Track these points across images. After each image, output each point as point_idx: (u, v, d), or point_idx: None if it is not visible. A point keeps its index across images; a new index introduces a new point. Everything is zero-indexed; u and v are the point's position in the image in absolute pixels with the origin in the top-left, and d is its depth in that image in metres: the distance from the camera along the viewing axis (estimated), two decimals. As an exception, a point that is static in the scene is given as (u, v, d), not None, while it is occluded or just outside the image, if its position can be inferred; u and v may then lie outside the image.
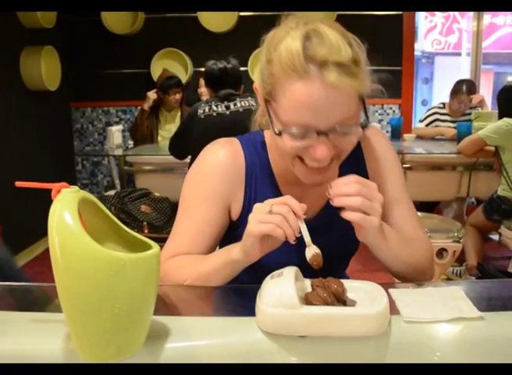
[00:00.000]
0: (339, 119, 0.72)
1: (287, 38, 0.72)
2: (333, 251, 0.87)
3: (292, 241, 0.72)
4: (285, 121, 0.74)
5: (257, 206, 0.75)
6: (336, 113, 0.71)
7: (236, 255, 0.78)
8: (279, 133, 0.75)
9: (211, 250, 0.91)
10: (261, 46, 0.78)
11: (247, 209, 0.90)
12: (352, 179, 0.75)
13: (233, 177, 0.90)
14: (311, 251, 0.74)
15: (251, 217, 0.74)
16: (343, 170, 0.87)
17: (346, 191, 0.73)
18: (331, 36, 0.70)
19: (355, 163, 0.93)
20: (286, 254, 0.79)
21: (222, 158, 0.90)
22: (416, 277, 0.89)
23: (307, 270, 0.73)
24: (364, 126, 0.76)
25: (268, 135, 0.94)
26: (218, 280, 0.82)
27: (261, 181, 0.91)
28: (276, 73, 0.72)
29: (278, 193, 0.91)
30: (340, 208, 0.76)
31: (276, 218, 0.71)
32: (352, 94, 0.72)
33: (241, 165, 0.90)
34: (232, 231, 0.93)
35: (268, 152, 0.92)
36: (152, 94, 3.56)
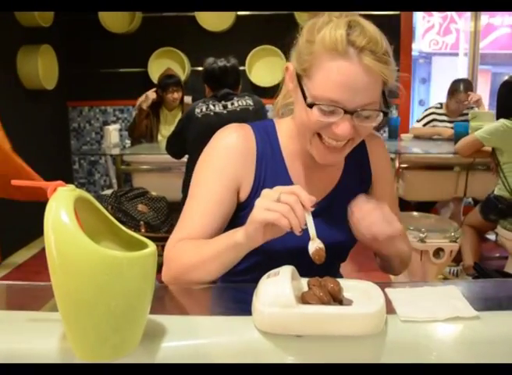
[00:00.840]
0: (365, 102, 0.80)
1: (331, 24, 0.80)
2: (333, 238, 0.90)
3: (297, 232, 0.72)
4: (317, 95, 0.80)
5: (265, 192, 0.75)
6: (364, 96, 0.79)
7: (239, 239, 0.79)
8: (311, 106, 0.81)
9: (220, 231, 0.91)
10: (301, 32, 0.86)
11: (255, 191, 0.93)
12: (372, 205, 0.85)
13: (244, 159, 0.93)
14: (314, 245, 0.74)
15: (258, 203, 0.74)
16: (350, 166, 1.00)
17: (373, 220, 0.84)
18: (370, 28, 0.80)
19: (360, 163, 1.02)
20: (295, 238, 0.78)
21: (234, 140, 0.93)
22: (401, 269, 1.03)
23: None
24: (386, 114, 0.83)
25: (280, 123, 0.99)
26: (221, 264, 0.83)
27: (271, 165, 0.94)
28: (317, 51, 0.80)
29: (287, 177, 0.95)
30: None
31: (283, 207, 0.72)
32: (379, 82, 0.80)
33: (252, 148, 0.94)
34: (238, 212, 0.94)
35: (279, 138, 0.97)
36: (151, 94, 3.55)
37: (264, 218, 0.73)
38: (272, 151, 0.95)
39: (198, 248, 0.85)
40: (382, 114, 0.83)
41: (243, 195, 0.94)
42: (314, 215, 0.78)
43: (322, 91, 0.80)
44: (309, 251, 0.74)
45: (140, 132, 3.56)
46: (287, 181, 0.94)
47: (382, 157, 1.05)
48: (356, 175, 1.02)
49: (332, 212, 0.96)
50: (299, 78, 0.84)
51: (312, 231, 0.75)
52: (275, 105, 1.02)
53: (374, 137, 1.06)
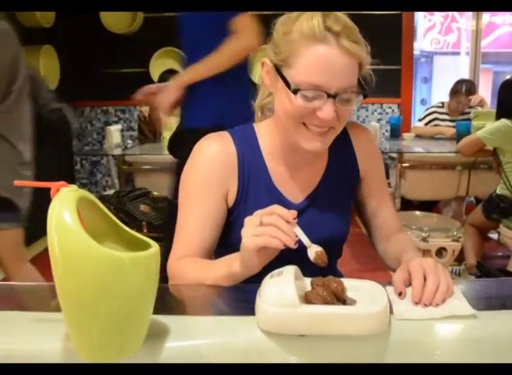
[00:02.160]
0: (345, 85, 0.83)
1: (306, 14, 0.84)
2: (323, 234, 0.90)
3: (292, 246, 0.72)
4: (299, 82, 0.82)
5: (247, 220, 0.76)
6: (344, 78, 0.82)
7: (236, 269, 0.79)
8: (295, 91, 0.82)
9: (216, 240, 0.94)
10: (274, 27, 0.89)
11: (240, 196, 0.95)
12: None
13: (227, 165, 0.94)
14: (313, 250, 0.75)
15: (244, 232, 0.75)
16: (332, 161, 1.01)
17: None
18: (343, 17, 0.84)
19: (344, 157, 1.03)
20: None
21: (214, 149, 0.94)
22: None
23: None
24: (365, 96, 0.86)
25: (259, 125, 1.00)
26: (225, 284, 0.83)
27: (253, 168, 0.96)
28: (296, 40, 0.82)
29: (268, 178, 0.97)
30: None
31: (268, 229, 0.72)
32: (356, 66, 0.84)
33: (233, 154, 0.95)
34: (227, 217, 0.96)
35: (259, 140, 0.98)
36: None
37: (255, 244, 0.73)
38: (252, 154, 0.97)
39: (199, 273, 0.86)
40: (361, 97, 0.86)
41: (230, 201, 0.96)
42: (302, 210, 0.83)
43: (305, 76, 0.82)
44: (310, 259, 0.75)
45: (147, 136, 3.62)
46: (268, 183, 0.96)
47: (370, 150, 1.05)
48: (340, 170, 1.02)
49: (318, 208, 0.98)
50: (278, 69, 0.86)
51: (305, 240, 0.75)
52: (254, 108, 1.03)
53: (358, 127, 1.06)
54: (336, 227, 1.00)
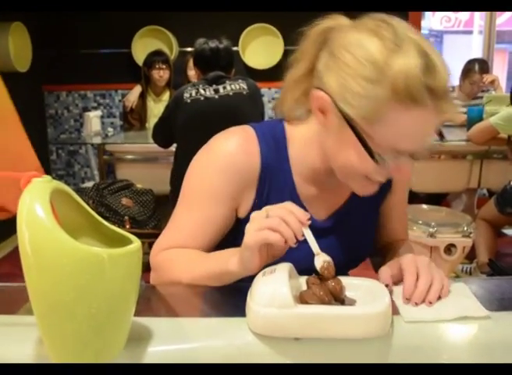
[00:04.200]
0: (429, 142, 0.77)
1: (400, 56, 0.71)
2: (344, 254, 0.91)
3: (292, 243, 0.70)
4: (381, 145, 0.75)
5: (254, 215, 0.74)
6: (430, 139, 0.77)
7: (233, 267, 0.77)
8: (373, 155, 0.75)
9: (211, 247, 0.91)
10: (336, 51, 0.76)
11: (257, 208, 0.87)
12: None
13: (245, 177, 0.89)
14: (321, 259, 0.73)
15: (248, 228, 0.73)
16: None
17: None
18: (441, 62, 0.73)
19: None
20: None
21: (234, 154, 0.88)
22: None
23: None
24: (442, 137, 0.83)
25: (292, 130, 0.92)
26: (214, 284, 0.83)
27: (276, 179, 0.91)
28: (385, 97, 0.71)
29: (294, 194, 0.91)
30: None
31: (272, 221, 0.70)
32: None
33: (256, 163, 0.89)
34: (239, 226, 0.92)
35: (289, 149, 0.91)
36: (135, 91, 3.60)
37: (256, 241, 0.71)
38: (279, 162, 0.90)
39: (190, 264, 0.85)
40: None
41: (243, 212, 0.92)
42: (327, 229, 0.81)
43: (391, 143, 0.74)
44: (316, 267, 0.73)
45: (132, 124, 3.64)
46: (293, 196, 0.91)
47: None
48: None
49: (344, 227, 0.95)
50: (352, 121, 0.76)
51: (315, 246, 0.73)
52: (278, 105, 0.94)
53: None
54: (360, 250, 0.99)
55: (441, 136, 0.82)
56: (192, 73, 3.46)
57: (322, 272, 0.71)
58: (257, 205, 0.89)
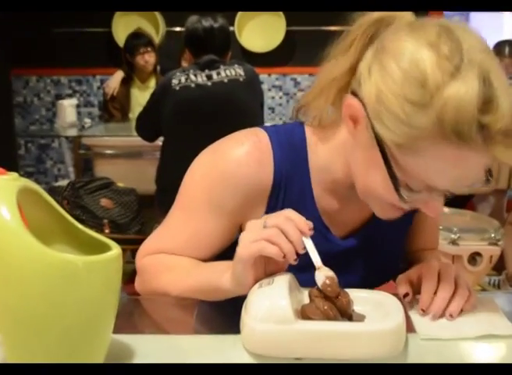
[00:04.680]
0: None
1: (455, 83, 0.66)
2: (365, 278, 0.90)
3: (292, 260, 0.70)
4: (412, 176, 0.72)
5: (250, 224, 0.74)
6: (476, 178, 0.74)
7: (224, 284, 0.77)
8: (397, 185, 0.73)
9: (207, 259, 0.91)
10: (379, 49, 0.73)
11: None
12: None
13: (255, 192, 0.88)
14: (322, 274, 0.71)
15: (242, 238, 0.73)
16: None
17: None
18: (505, 91, 0.68)
19: None
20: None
21: (243, 165, 0.86)
22: None
23: None
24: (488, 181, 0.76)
25: (314, 135, 0.90)
26: (205, 299, 0.83)
27: (292, 191, 0.89)
28: (427, 127, 0.67)
29: (313, 206, 0.90)
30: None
31: (269, 231, 0.70)
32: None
33: (268, 175, 0.87)
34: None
35: (309, 155, 0.89)
36: (117, 76, 3.58)
37: (250, 253, 0.70)
38: (296, 172, 0.89)
39: (179, 274, 0.86)
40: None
41: None
42: (351, 248, 0.80)
43: (424, 178, 0.72)
44: (317, 284, 0.71)
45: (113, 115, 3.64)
46: (313, 213, 0.89)
47: None
48: None
49: (371, 245, 0.94)
50: (378, 138, 0.73)
51: (316, 259, 0.73)
52: (304, 105, 0.90)
53: None
54: (385, 274, 0.98)
55: (489, 175, 0.76)
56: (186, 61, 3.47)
57: (325, 289, 0.70)
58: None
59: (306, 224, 0.71)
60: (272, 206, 0.88)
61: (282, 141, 0.89)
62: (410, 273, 0.81)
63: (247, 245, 0.71)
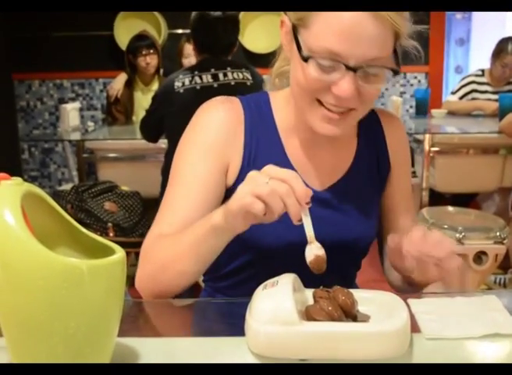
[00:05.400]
0: (371, 55, 0.81)
1: None
2: (345, 235, 0.93)
3: (276, 216, 0.72)
4: (313, 47, 0.82)
5: (251, 175, 0.75)
6: (370, 47, 0.81)
7: (216, 220, 0.79)
8: (306, 59, 0.82)
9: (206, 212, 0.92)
10: None
11: (245, 173, 0.89)
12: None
13: (233, 135, 0.96)
14: (312, 251, 0.73)
15: (239, 188, 0.75)
16: (364, 148, 1.03)
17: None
18: None
19: (376, 145, 1.05)
20: (291, 232, 0.79)
21: (221, 114, 0.97)
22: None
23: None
24: (396, 73, 0.84)
25: (275, 95, 1.02)
26: (201, 255, 0.84)
27: (263, 142, 0.98)
28: None
29: (283, 155, 0.98)
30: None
31: (264, 190, 0.71)
32: (389, 33, 0.82)
33: (240, 122, 0.97)
34: (225, 199, 0.95)
35: (274, 111, 1.00)
36: (120, 78, 3.59)
37: (238, 206, 0.73)
38: (264, 126, 0.99)
39: (175, 240, 0.87)
40: (391, 73, 0.84)
41: (230, 178, 0.97)
42: (322, 202, 0.83)
43: (320, 40, 0.81)
44: (306, 259, 0.74)
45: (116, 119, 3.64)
46: (283, 161, 0.96)
47: (401, 140, 1.08)
48: (371, 159, 1.04)
49: (343, 201, 0.99)
50: (295, 30, 0.86)
51: (310, 232, 0.74)
52: (271, 74, 1.06)
53: (390, 116, 1.09)
54: (362, 228, 1.00)
55: (397, 65, 0.83)
56: (187, 61, 3.45)
57: (312, 266, 0.73)
58: (245, 169, 0.93)
59: (306, 195, 0.72)
60: (247, 155, 0.96)
61: (249, 101, 1.01)
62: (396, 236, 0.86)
63: (240, 197, 0.73)
